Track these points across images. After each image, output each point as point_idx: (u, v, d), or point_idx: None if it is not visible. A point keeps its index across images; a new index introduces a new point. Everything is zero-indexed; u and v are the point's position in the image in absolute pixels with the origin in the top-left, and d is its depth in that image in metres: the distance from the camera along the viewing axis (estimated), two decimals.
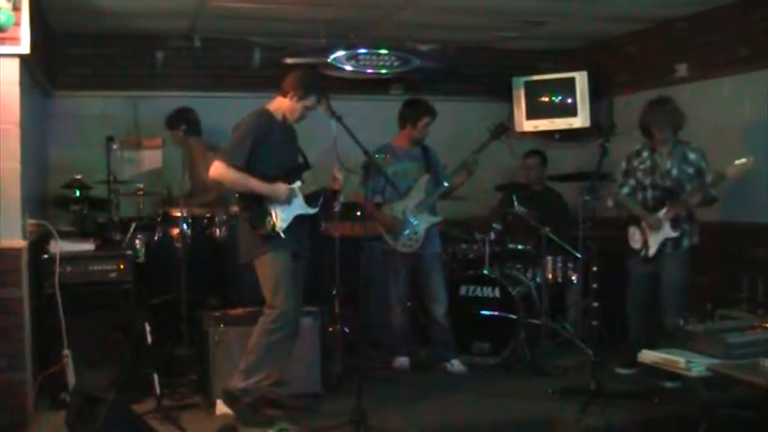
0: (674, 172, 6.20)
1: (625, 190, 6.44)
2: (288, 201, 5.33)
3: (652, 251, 6.24)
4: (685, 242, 6.21)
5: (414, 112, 6.82)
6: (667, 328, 6.14)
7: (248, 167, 5.26)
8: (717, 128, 6.93)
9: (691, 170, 6.15)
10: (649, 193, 6.30)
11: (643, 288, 6.42)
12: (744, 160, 5.83)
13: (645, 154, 6.37)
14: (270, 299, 5.32)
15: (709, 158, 6.18)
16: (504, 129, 6.84)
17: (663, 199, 6.19)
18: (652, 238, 6.23)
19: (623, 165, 6.48)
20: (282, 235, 5.28)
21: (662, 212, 6.16)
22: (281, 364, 5.52)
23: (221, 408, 5.41)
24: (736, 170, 5.87)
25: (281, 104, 5.48)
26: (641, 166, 6.36)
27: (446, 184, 6.75)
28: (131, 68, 7.89)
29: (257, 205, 5.31)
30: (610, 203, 6.53)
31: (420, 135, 6.83)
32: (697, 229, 6.25)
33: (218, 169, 5.28)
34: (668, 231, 6.16)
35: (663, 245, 6.19)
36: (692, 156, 6.17)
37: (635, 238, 6.34)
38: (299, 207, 5.41)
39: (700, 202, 6.10)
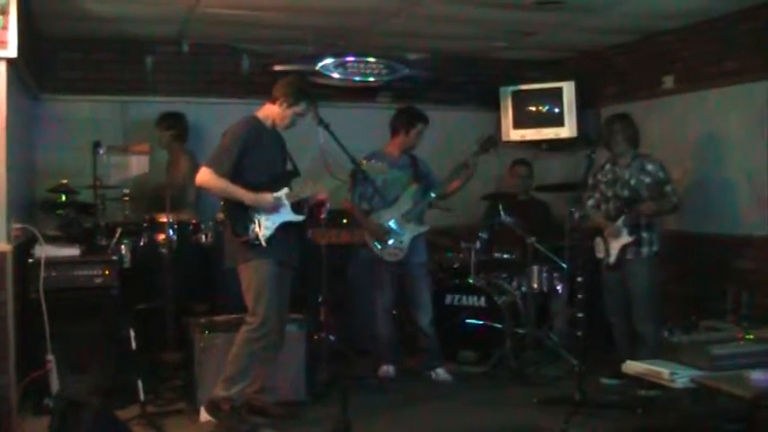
0: (632, 182, 6.32)
1: (590, 202, 6.61)
2: (273, 210, 5.33)
3: (612, 258, 6.36)
4: (645, 250, 6.31)
5: (407, 120, 6.82)
6: (641, 336, 6.23)
7: (236, 175, 5.25)
8: (703, 139, 6.97)
9: (648, 179, 6.28)
10: (611, 204, 6.43)
11: (616, 297, 6.50)
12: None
13: (607, 167, 6.55)
14: (252, 307, 5.32)
15: (668, 169, 6.29)
16: (492, 142, 6.84)
17: (622, 208, 6.32)
18: (612, 245, 6.35)
19: (590, 180, 6.60)
20: (265, 243, 5.27)
21: (620, 220, 6.28)
22: (266, 372, 5.52)
23: (206, 415, 5.39)
24: (678, 173, 6.31)
25: (270, 111, 5.48)
26: (604, 179, 6.54)
27: (433, 195, 6.76)
28: (120, 73, 7.86)
29: (242, 212, 5.30)
30: (576, 215, 6.61)
31: (412, 142, 6.84)
32: (657, 238, 6.35)
33: (204, 176, 5.27)
34: (626, 237, 6.28)
35: (623, 253, 6.30)
36: (649, 166, 6.31)
37: (599, 248, 6.44)
38: (286, 215, 5.40)
39: (656, 209, 6.21)
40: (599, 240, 6.42)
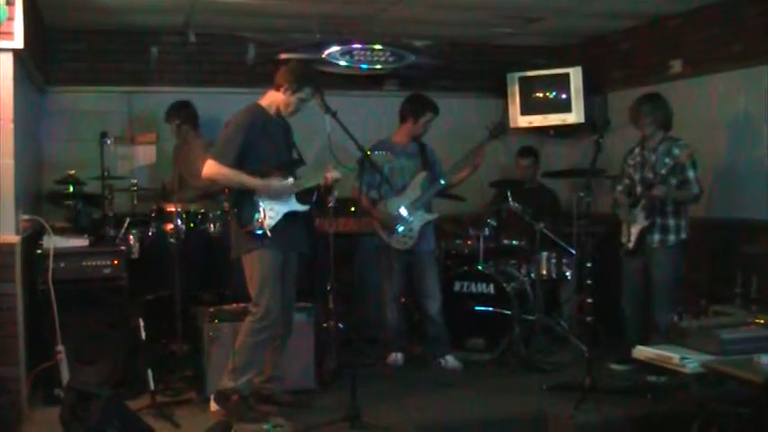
0: (658, 166, 6.26)
1: (619, 187, 6.57)
2: (282, 195, 5.31)
3: (631, 244, 6.34)
4: (671, 237, 6.26)
5: (416, 108, 6.80)
6: (658, 323, 6.19)
7: (241, 164, 5.24)
8: (711, 124, 6.94)
9: (673, 164, 6.17)
10: (638, 189, 6.38)
11: (635, 284, 6.47)
12: None
13: (636, 151, 6.49)
14: (255, 297, 5.32)
15: (697, 154, 6.19)
16: (502, 129, 6.85)
17: (643, 192, 6.28)
18: (631, 230, 6.34)
19: (622, 163, 6.59)
20: (269, 233, 5.26)
21: (640, 205, 6.24)
22: (275, 361, 5.53)
23: (215, 404, 5.40)
24: (684, 156, 6.09)
25: (273, 99, 5.45)
26: (632, 162, 6.48)
27: (443, 182, 6.74)
28: (126, 64, 7.86)
29: (247, 202, 5.29)
30: (612, 204, 6.61)
31: (420, 131, 6.82)
32: (685, 225, 6.29)
33: (210, 168, 5.26)
34: (642, 222, 6.25)
35: (650, 239, 6.27)
36: (676, 150, 6.21)
37: (624, 233, 6.44)
38: (290, 204, 5.38)
39: (667, 193, 6.14)
40: (624, 226, 6.43)
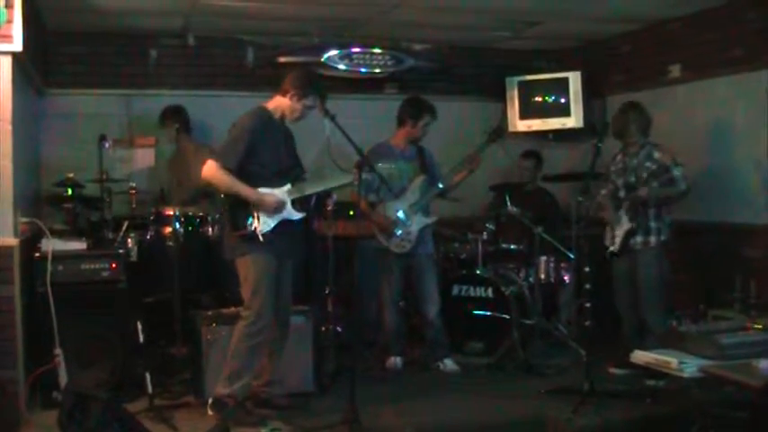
0: (639, 170, 6.29)
1: (602, 192, 6.60)
2: (275, 212, 5.30)
3: (616, 246, 6.37)
4: (653, 239, 6.28)
5: (415, 111, 6.78)
6: (650, 325, 6.20)
7: (243, 166, 5.23)
8: (710, 128, 6.95)
9: (654, 167, 6.22)
10: (621, 193, 6.41)
11: (624, 286, 6.49)
12: None
13: (618, 158, 6.55)
14: (248, 300, 5.30)
15: (681, 156, 6.25)
16: (500, 132, 6.84)
17: (626, 196, 6.33)
18: (615, 232, 6.37)
19: (606, 170, 6.61)
20: (262, 238, 5.24)
21: (623, 208, 6.29)
22: (273, 364, 5.52)
23: (212, 410, 5.39)
24: (666, 158, 6.21)
25: (280, 103, 5.44)
26: (614, 168, 6.53)
27: (441, 186, 6.74)
28: (124, 67, 7.86)
29: (242, 206, 5.26)
30: (592, 205, 6.64)
31: (418, 134, 6.81)
32: (666, 227, 6.31)
33: (210, 169, 5.24)
34: (626, 224, 6.29)
35: (631, 241, 6.29)
36: (656, 154, 6.26)
37: (607, 236, 6.48)
38: (285, 212, 5.36)
39: (653, 193, 6.17)
40: (607, 229, 6.45)
